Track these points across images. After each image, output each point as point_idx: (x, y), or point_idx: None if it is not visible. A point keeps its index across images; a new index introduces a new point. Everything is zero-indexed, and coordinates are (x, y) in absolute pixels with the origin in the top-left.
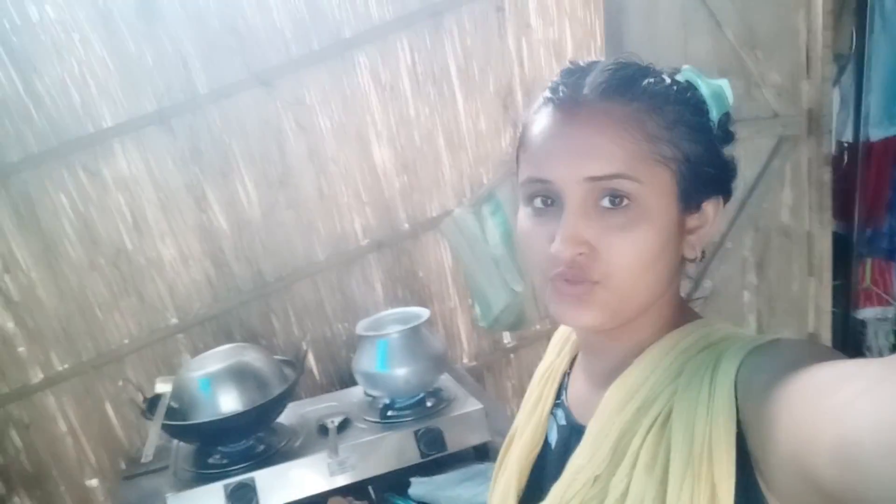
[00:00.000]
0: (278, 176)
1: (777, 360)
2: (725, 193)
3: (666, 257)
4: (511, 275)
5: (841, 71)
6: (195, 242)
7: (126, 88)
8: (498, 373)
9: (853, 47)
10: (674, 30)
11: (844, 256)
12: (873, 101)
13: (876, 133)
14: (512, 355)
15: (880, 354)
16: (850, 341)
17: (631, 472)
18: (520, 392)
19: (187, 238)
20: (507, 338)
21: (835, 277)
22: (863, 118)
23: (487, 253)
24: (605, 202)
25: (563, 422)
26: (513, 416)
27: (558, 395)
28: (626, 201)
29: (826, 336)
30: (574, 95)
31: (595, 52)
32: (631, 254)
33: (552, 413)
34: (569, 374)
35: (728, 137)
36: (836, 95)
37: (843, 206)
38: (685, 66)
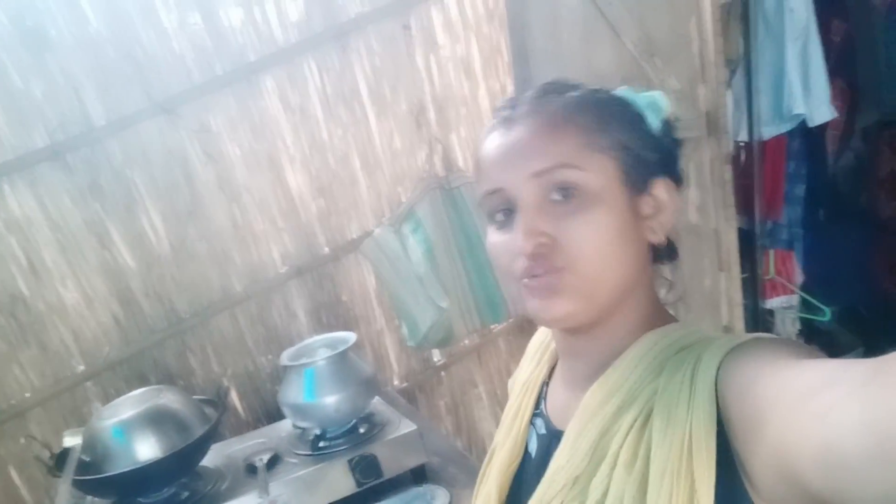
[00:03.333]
0: (187, 207)
1: (758, 359)
2: (673, 175)
3: (625, 239)
4: (435, 291)
5: (732, 74)
6: (100, 283)
7: (13, 124)
8: (430, 392)
9: (741, 52)
10: (576, 42)
11: (749, 250)
12: (763, 101)
13: (768, 131)
14: (443, 373)
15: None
16: (761, 331)
17: (611, 472)
18: (453, 410)
19: (91, 279)
20: (436, 356)
21: (742, 271)
22: (755, 118)
23: (411, 271)
24: (556, 195)
25: (542, 430)
26: (449, 436)
27: (537, 406)
28: (573, 190)
29: (739, 327)
30: (511, 113)
31: (503, 67)
32: (589, 237)
33: (531, 423)
34: (547, 383)
35: (675, 143)
36: (729, 98)
37: (744, 202)
38: (621, 87)
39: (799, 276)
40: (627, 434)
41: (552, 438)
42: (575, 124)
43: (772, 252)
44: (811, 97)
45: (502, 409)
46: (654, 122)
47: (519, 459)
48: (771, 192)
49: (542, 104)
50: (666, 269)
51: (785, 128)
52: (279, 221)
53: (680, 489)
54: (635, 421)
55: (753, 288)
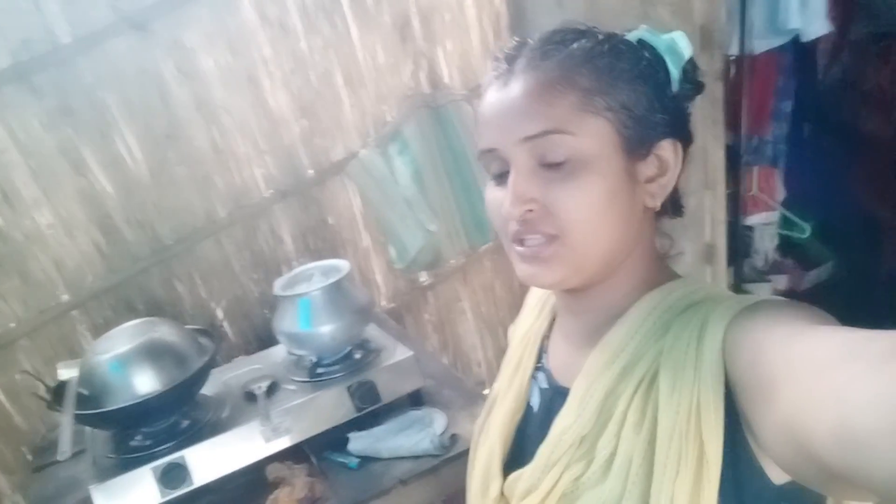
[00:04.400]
0: (164, 129)
1: (768, 323)
2: (680, 137)
3: (619, 206)
4: (424, 214)
5: None
6: (78, 210)
7: None
8: (417, 312)
9: None
10: None
11: (733, 166)
12: (757, 13)
13: (760, 45)
14: (429, 293)
15: (766, 257)
16: (740, 246)
17: (619, 432)
18: (440, 329)
19: (68, 206)
20: (423, 276)
21: (725, 188)
22: (747, 31)
23: (398, 194)
24: (547, 161)
25: (544, 385)
26: (436, 353)
27: (539, 359)
28: (564, 156)
29: (721, 244)
30: (510, 68)
31: None
32: (579, 205)
33: (533, 377)
34: (548, 336)
35: (696, 87)
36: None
37: (731, 118)
38: (642, 27)
39: (781, 193)
40: (634, 395)
41: (555, 393)
42: (572, 84)
43: (756, 169)
44: (807, 10)
45: (487, 325)
46: (673, 70)
47: (521, 412)
48: (759, 108)
49: (541, 59)
50: (667, 224)
51: (778, 42)
52: (261, 143)
53: (689, 450)
54: (641, 381)
55: (735, 205)
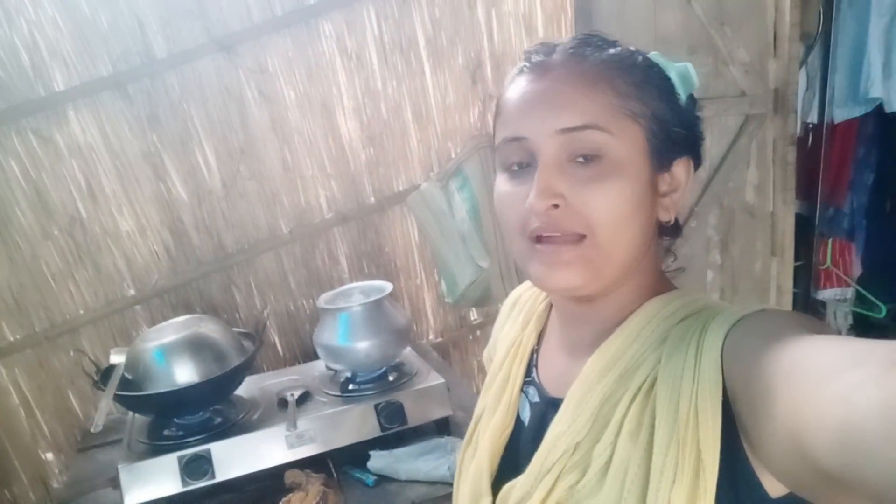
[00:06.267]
0: (240, 145)
1: (767, 331)
2: (694, 156)
3: (642, 214)
4: (477, 250)
5: (808, 51)
6: (153, 212)
7: (79, 51)
8: (464, 349)
9: (820, 27)
10: (643, 4)
11: (805, 237)
12: (838, 81)
13: (840, 114)
14: (478, 332)
15: (839, 334)
16: None
17: (615, 439)
18: (484, 369)
19: (145, 208)
20: (473, 314)
21: (796, 258)
22: (828, 99)
23: (454, 228)
24: (579, 157)
25: (535, 399)
26: (478, 392)
27: (528, 373)
28: (598, 154)
29: None
30: (545, 59)
31: (565, 25)
32: (606, 206)
33: (523, 391)
34: (537, 350)
35: (699, 122)
36: (802, 76)
37: (805, 187)
38: (652, 53)
39: (857, 269)
40: (631, 402)
41: (548, 406)
42: (612, 84)
43: (830, 241)
44: (891, 80)
45: None
46: (682, 95)
47: (510, 428)
48: (836, 178)
49: (580, 56)
50: (668, 241)
51: (859, 111)
52: (328, 167)
53: (685, 459)
54: (639, 389)
55: (807, 276)
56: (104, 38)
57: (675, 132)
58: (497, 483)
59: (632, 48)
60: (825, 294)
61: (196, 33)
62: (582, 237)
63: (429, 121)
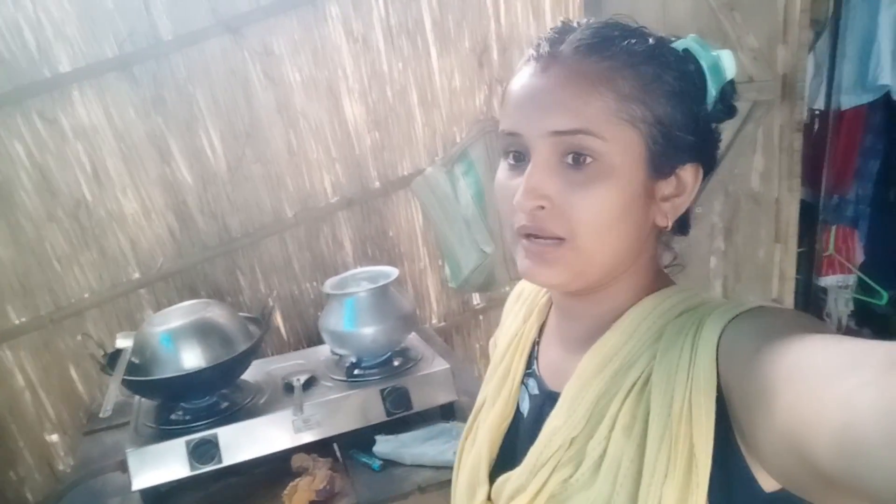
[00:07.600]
0: (245, 128)
1: (765, 329)
2: (705, 162)
3: (631, 220)
4: (481, 235)
5: (816, 37)
6: (158, 195)
7: (85, 32)
8: (466, 333)
9: (830, 13)
10: None
11: (809, 224)
12: (846, 68)
13: (847, 101)
14: (481, 316)
15: (839, 321)
16: (812, 308)
17: (609, 434)
18: (487, 353)
19: (149, 191)
20: (476, 299)
21: (799, 245)
22: (835, 86)
23: (458, 213)
24: (569, 159)
25: (535, 391)
26: (480, 377)
27: (528, 365)
28: (588, 159)
29: (789, 302)
30: (552, 52)
31: (573, 10)
32: (592, 212)
33: (523, 383)
34: (538, 342)
35: (729, 111)
36: (810, 62)
37: (810, 174)
38: (690, 35)
39: (859, 256)
40: (626, 397)
41: (546, 399)
42: (612, 87)
43: (833, 228)
44: None
45: None
46: (712, 89)
47: (510, 419)
48: (841, 166)
49: (585, 52)
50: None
51: (867, 99)
52: (333, 151)
53: (678, 454)
54: (634, 384)
55: (809, 263)
56: (110, 18)
57: (681, 138)
58: (495, 472)
59: (655, 37)
60: (827, 281)
61: (202, 15)
62: (562, 240)
63: (434, 105)
